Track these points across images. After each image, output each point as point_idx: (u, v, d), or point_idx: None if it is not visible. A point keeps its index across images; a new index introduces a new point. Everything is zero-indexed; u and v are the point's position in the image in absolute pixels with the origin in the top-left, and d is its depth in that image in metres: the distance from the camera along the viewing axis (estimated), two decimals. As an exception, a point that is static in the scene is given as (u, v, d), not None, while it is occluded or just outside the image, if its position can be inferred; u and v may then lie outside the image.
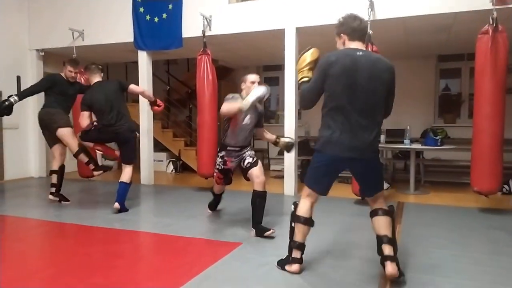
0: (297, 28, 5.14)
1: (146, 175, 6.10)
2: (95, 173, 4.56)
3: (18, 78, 6.58)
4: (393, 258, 2.36)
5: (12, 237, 3.45)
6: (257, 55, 7.17)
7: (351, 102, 2.28)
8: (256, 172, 3.38)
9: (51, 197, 4.62)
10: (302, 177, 6.05)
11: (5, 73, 6.40)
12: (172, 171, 7.73)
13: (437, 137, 5.42)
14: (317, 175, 2.50)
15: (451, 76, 7.80)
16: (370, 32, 4.45)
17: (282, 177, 5.52)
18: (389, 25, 4.93)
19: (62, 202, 4.60)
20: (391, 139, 5.85)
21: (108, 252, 2.99)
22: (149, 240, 3.44)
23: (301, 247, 2.50)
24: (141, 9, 5.86)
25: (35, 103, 6.15)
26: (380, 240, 2.42)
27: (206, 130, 5.37)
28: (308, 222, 2.48)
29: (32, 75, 6.62)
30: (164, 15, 5.75)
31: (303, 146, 6.47)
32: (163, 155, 7.89)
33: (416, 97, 7.48)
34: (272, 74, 9.02)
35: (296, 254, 2.50)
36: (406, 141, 5.38)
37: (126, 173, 4.21)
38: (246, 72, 9.31)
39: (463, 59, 7.23)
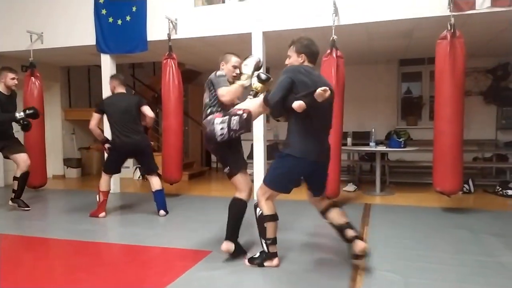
0: (264, 32, 5.15)
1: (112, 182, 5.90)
2: (10, 203, 4.54)
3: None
4: (359, 237, 2.67)
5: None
6: (224, 59, 7.13)
7: (318, 111, 2.54)
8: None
9: (10, 203, 4.48)
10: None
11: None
12: (139, 177, 7.53)
13: (401, 139, 5.59)
14: (288, 178, 2.66)
15: (412, 80, 8.08)
16: (335, 37, 4.54)
17: (252, 181, 5.48)
18: (352, 30, 5.04)
19: (22, 208, 4.45)
20: (357, 141, 5.98)
21: (71, 265, 2.86)
22: (115, 251, 3.31)
23: (275, 241, 2.71)
24: (104, 11, 5.68)
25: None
26: (342, 227, 2.69)
27: (172, 135, 5.28)
28: (276, 217, 2.70)
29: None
30: (128, 17, 5.60)
31: (272, 150, 6.48)
32: (129, 161, 7.65)
33: (379, 100, 7.70)
34: (239, 77, 9.00)
35: (273, 249, 2.70)
36: (372, 143, 5.52)
37: (155, 181, 4.31)
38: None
39: (424, 63, 7.51)
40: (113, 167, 4.32)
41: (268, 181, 2.68)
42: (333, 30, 4.57)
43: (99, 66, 6.05)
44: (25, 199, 4.68)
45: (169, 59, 5.26)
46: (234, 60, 3.04)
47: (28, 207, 4.54)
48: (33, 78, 5.86)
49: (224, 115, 2.74)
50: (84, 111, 7.35)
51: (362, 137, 6.35)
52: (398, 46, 6.19)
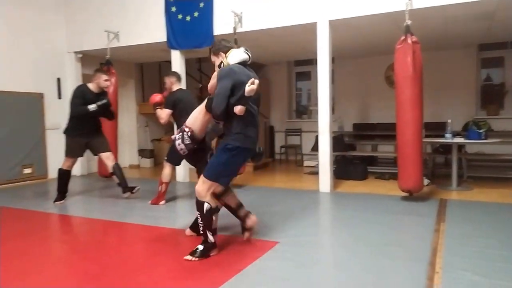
0: (330, 21, 5.02)
1: (181, 172, 6.19)
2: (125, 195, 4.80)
3: (58, 80, 6.83)
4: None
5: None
6: (288, 50, 7.08)
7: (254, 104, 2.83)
8: None
9: (125, 195, 4.81)
10: (337, 173, 5.98)
11: (45, 76, 6.66)
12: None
13: (481, 130, 5.16)
14: (232, 169, 2.86)
15: (493, 66, 7.42)
16: (409, 22, 4.28)
17: (317, 173, 5.43)
18: (428, 14, 4.72)
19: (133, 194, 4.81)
20: (430, 133, 5.63)
21: (150, 250, 3.04)
22: (187, 238, 3.46)
23: (216, 231, 2.87)
24: (173, 9, 5.92)
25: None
26: (237, 209, 3.05)
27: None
28: (218, 209, 2.91)
29: (71, 77, 6.86)
30: (196, 14, 5.78)
31: (338, 141, 6.34)
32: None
33: (456, 88, 7.17)
34: (303, 68, 8.91)
35: (215, 238, 2.84)
36: (448, 135, 5.15)
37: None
38: (277, 67, 9.26)
39: (506, 47, 6.84)
40: (178, 156, 4.11)
41: (212, 176, 2.77)
42: (407, 15, 4.31)
43: (169, 62, 6.33)
44: (101, 188, 5.02)
45: (235, 52, 5.33)
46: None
47: (133, 188, 4.80)
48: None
49: (178, 131, 2.93)
50: (151, 104, 7.76)
51: (436, 128, 5.96)
52: (478, 29, 5.70)
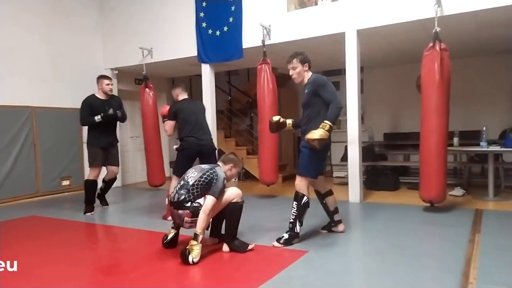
0: (358, 31, 5.02)
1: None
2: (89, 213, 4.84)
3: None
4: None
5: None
6: (316, 61, 7.03)
7: None
8: None
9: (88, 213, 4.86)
10: (368, 184, 5.89)
11: (84, 92, 6.95)
12: (235, 179, 7.87)
13: (519, 138, 4.96)
14: (321, 163, 3.44)
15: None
16: (438, 29, 4.22)
17: (346, 183, 5.39)
18: (459, 20, 4.64)
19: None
20: (465, 142, 5.47)
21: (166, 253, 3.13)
22: (216, 248, 3.52)
23: (302, 224, 3.31)
24: (204, 24, 6.11)
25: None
26: (335, 212, 3.58)
27: (267, 138, 5.41)
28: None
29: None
30: (225, 28, 5.94)
31: (367, 151, 6.27)
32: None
33: (491, 95, 6.94)
34: (332, 79, 8.88)
35: (300, 230, 3.31)
36: (483, 143, 4.98)
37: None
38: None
39: (543, 52, 6.56)
40: (182, 167, 4.06)
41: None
42: (436, 22, 4.26)
43: (199, 76, 6.51)
44: (147, 197, 5.32)
45: (263, 64, 5.43)
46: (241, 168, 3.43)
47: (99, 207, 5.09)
48: (147, 90, 6.57)
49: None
50: (161, 116, 8.02)
51: (470, 137, 5.78)
52: (511, 34, 5.52)
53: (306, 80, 3.36)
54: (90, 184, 4.85)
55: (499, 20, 4.75)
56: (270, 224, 4.14)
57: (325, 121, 3.09)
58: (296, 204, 3.21)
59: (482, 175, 6.27)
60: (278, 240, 3.23)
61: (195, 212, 2.90)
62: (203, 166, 3.15)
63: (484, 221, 3.90)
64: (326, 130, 3.07)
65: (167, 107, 4.36)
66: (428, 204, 4.42)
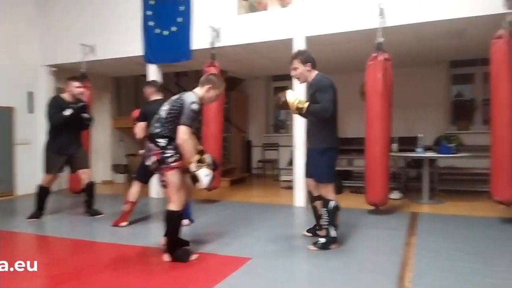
0: (306, 37, 5.10)
1: (154, 188, 6.07)
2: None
3: (30, 94, 6.64)
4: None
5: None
6: (266, 65, 7.14)
7: None
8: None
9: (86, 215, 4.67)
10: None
11: (17, 89, 6.47)
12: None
13: (451, 145, 5.30)
14: (334, 166, 3.33)
15: (464, 82, 7.68)
16: (381, 39, 4.40)
17: (292, 187, 5.44)
18: (400, 31, 4.87)
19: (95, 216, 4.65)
20: (404, 147, 5.74)
21: (117, 269, 2.96)
22: (158, 255, 3.38)
23: (338, 227, 3.31)
24: (151, 23, 5.91)
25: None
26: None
27: (211, 142, 5.28)
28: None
29: (44, 91, 6.63)
30: (174, 28, 5.78)
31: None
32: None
33: (428, 104, 7.37)
34: (281, 83, 8.99)
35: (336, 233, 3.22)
36: (419, 149, 5.27)
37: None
38: (255, 82, 9.32)
39: (477, 64, 7.10)
40: (145, 174, 4.08)
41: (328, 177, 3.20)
42: (379, 33, 4.43)
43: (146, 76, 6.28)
44: (71, 205, 4.94)
45: (211, 67, 5.35)
46: (222, 89, 3.18)
47: (97, 214, 4.70)
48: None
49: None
50: (131, 119, 7.67)
51: (409, 143, 6.08)
52: (449, 47, 5.90)
53: (310, 80, 3.27)
54: (41, 190, 4.53)
55: (438, 32, 5.04)
56: (215, 230, 4.05)
57: (309, 103, 3.08)
58: (325, 210, 3.18)
59: (418, 179, 6.61)
60: (314, 244, 3.20)
61: (162, 161, 2.85)
62: (173, 97, 3.03)
63: (419, 224, 4.10)
64: (301, 106, 3.05)
65: (138, 111, 4.15)
66: (372, 207, 4.57)
